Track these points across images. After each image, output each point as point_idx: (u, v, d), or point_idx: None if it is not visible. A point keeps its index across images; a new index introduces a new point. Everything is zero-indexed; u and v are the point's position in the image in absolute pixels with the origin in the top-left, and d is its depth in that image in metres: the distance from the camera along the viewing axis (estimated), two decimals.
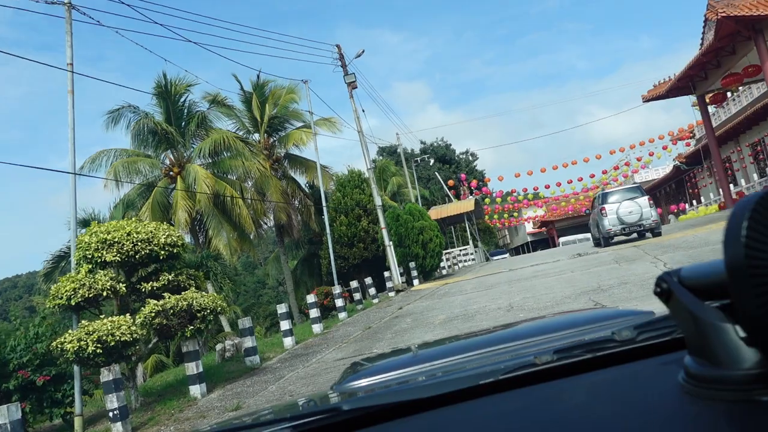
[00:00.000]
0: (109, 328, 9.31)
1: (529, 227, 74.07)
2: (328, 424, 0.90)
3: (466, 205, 37.79)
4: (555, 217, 66.25)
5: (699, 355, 0.65)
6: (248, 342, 12.01)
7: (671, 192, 46.69)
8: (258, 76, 29.66)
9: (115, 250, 10.08)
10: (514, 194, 52.81)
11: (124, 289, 10.20)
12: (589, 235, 40.82)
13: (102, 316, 9.73)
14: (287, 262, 30.66)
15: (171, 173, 25.04)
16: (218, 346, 13.73)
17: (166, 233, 10.50)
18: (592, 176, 50.39)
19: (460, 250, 35.41)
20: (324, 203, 23.42)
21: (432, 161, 65.33)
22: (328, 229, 22.90)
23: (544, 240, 73.56)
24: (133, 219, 11.09)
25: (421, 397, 0.90)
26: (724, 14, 21.44)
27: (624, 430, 0.66)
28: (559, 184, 49.23)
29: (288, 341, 13.65)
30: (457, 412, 0.86)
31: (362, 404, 0.93)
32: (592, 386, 0.86)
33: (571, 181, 48.06)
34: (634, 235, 21.59)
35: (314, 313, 15.40)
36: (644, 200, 20.78)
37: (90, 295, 9.83)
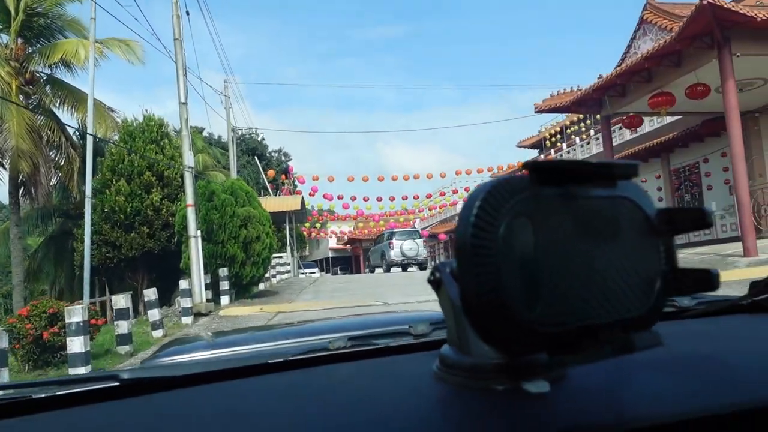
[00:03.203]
0: None
1: (333, 242, 66.80)
2: (101, 389, 0.83)
3: (292, 202, 28.71)
4: (364, 236, 59.66)
5: (453, 344, 0.65)
6: None
7: None
8: None
9: None
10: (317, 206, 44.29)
11: None
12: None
13: None
14: (20, 238, 19.10)
15: None
16: None
17: None
18: (392, 199, 43.95)
19: (277, 259, 26.10)
20: (89, 149, 12.94)
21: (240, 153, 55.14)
22: (88, 191, 12.46)
23: (346, 258, 66.66)
24: None
25: (204, 371, 0.88)
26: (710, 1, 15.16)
27: (376, 408, 0.66)
28: (366, 199, 41.84)
29: None
30: (235, 385, 0.84)
31: (140, 375, 0.89)
32: (362, 369, 0.87)
33: (367, 199, 41.17)
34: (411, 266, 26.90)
35: None
36: (420, 241, 27.78)
37: None
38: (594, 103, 22.28)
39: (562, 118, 37.61)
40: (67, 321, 7.34)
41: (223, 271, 14.72)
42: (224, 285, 14.72)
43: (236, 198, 15.71)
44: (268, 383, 0.84)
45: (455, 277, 0.64)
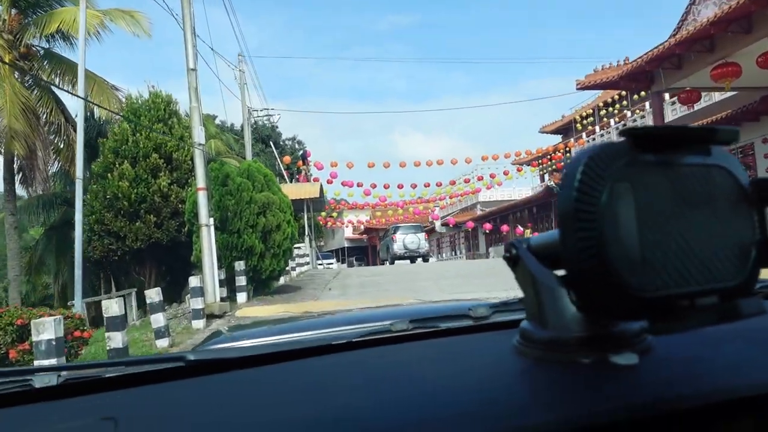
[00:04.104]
0: None
1: (348, 232, 64.86)
2: (170, 369, 0.82)
3: (310, 189, 26.74)
4: (381, 226, 57.63)
5: (534, 318, 0.65)
6: None
7: (524, 217, 39.31)
8: None
9: None
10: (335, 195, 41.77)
11: None
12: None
13: None
14: (16, 228, 17.26)
15: None
16: None
17: None
18: (414, 186, 41.42)
19: (296, 250, 24.08)
20: (80, 119, 10.95)
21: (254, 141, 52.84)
22: (79, 171, 10.47)
23: (362, 248, 64.73)
24: None
25: (267, 352, 0.86)
26: None
27: (454, 386, 0.65)
28: (387, 186, 39.23)
29: None
30: (301, 364, 0.83)
31: (207, 356, 0.88)
32: (435, 346, 0.86)
33: (388, 186, 38.52)
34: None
35: None
36: (422, 235, 29.60)
37: None
38: (644, 78, 20.13)
39: (591, 99, 35.47)
40: (34, 339, 5.40)
41: (240, 265, 12.78)
42: (241, 280, 12.78)
43: (253, 182, 13.74)
44: (340, 361, 0.82)
45: (533, 252, 0.65)
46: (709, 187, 0.54)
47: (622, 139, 0.52)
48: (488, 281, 13.14)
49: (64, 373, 0.80)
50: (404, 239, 29.44)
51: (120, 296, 16.16)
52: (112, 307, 6.89)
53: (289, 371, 0.78)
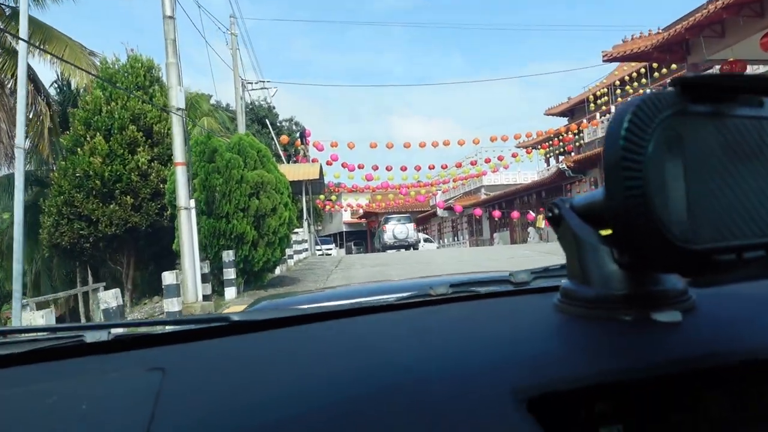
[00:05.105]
0: None
1: (347, 216, 62.81)
2: (216, 328, 0.82)
3: (310, 170, 24.63)
4: (381, 210, 55.59)
5: (575, 276, 0.65)
6: None
7: (531, 201, 37.20)
8: None
9: None
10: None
11: None
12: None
13: None
14: None
15: None
16: None
17: None
18: (418, 168, 39.16)
19: (293, 235, 22.03)
20: (21, 66, 8.87)
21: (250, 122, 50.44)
22: (19, 137, 8.29)
23: (360, 233, 62.75)
24: None
25: (311, 312, 0.86)
26: None
27: (495, 338, 0.65)
28: (389, 168, 37.06)
29: None
30: (342, 323, 0.82)
31: (250, 318, 0.87)
32: (474, 307, 0.86)
33: (390, 168, 36.30)
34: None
35: None
36: (411, 225, 31.76)
37: None
38: (680, 48, 18.02)
39: (603, 78, 33.48)
40: None
41: (228, 255, 10.76)
42: (229, 273, 10.77)
43: (245, 158, 11.68)
44: (380, 319, 0.81)
45: (576, 211, 0.64)
46: (760, 140, 0.52)
47: (671, 88, 0.49)
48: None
49: (113, 329, 0.83)
50: (394, 230, 30.92)
51: (96, 288, 14.17)
52: (36, 321, 4.86)
53: (331, 329, 0.78)
